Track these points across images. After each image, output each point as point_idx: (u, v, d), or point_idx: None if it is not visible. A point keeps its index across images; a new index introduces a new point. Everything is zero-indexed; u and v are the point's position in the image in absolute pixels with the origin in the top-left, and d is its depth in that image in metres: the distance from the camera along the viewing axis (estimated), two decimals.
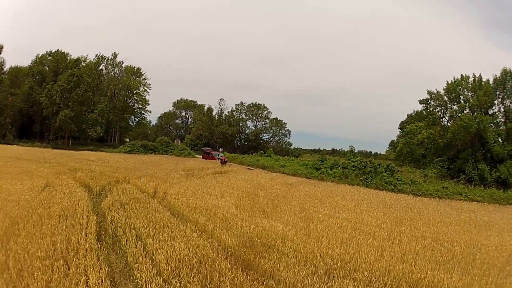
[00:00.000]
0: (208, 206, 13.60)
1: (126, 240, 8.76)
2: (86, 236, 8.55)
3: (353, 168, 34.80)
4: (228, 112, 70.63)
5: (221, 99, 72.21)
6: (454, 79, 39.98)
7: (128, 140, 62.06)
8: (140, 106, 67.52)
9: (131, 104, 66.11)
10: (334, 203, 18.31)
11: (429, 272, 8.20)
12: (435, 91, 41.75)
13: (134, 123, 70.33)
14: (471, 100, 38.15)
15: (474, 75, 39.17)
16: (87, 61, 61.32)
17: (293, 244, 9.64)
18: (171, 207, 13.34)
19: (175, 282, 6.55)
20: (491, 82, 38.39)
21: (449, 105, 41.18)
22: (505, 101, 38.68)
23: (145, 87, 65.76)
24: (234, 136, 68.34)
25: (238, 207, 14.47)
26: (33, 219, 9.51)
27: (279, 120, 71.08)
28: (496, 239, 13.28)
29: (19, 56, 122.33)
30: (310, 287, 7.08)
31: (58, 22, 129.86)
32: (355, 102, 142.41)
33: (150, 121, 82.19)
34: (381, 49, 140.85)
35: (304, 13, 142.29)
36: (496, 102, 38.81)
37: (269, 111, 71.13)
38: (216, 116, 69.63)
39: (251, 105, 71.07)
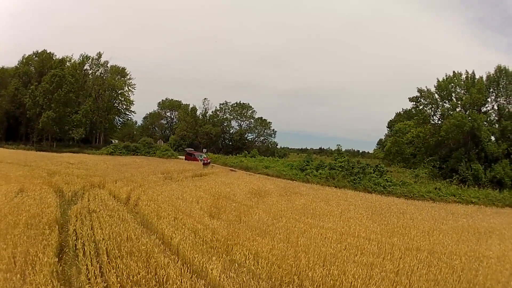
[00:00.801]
0: (178, 214, 12.74)
1: (83, 255, 8.28)
2: (45, 248, 8.17)
3: (340, 169, 33.23)
4: (212, 111, 68.90)
5: (205, 98, 70.41)
6: (446, 76, 38.60)
7: (116, 141, 61.00)
8: (124, 107, 66.47)
9: (115, 104, 64.85)
10: (318, 210, 16.52)
11: None
12: (426, 89, 40.44)
13: (119, 124, 69.20)
14: (463, 98, 36.75)
15: (467, 72, 37.79)
16: (72, 61, 60.13)
17: (267, 262, 8.44)
18: (141, 215, 12.76)
19: None
20: (484, 79, 37.15)
21: (440, 103, 39.81)
22: (498, 99, 37.46)
23: (129, 87, 64.69)
24: (218, 136, 66.54)
25: (211, 216, 13.24)
26: (0, 227, 9.44)
27: (264, 119, 69.52)
28: (497, 249, 12.11)
29: (19, 57, 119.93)
30: None
31: (58, 22, 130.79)
32: (354, 102, 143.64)
33: (136, 122, 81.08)
34: (381, 49, 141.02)
35: (303, 13, 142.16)
36: (489, 100, 37.68)
37: (254, 111, 69.66)
38: (200, 116, 67.90)
39: (235, 105, 69.28)
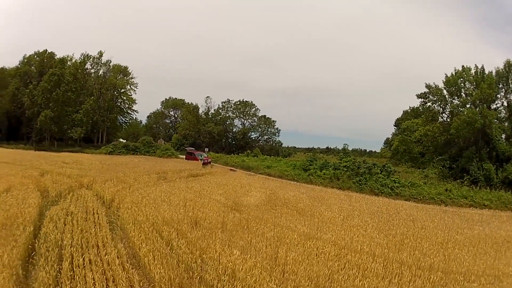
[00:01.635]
0: (157, 219, 11.45)
1: (45, 260, 7.64)
2: (12, 250, 7.80)
3: (345, 169, 31.82)
4: (214, 110, 67.50)
5: (207, 96, 69.23)
6: (455, 70, 36.86)
7: (121, 140, 60.27)
8: (127, 106, 65.80)
9: (118, 103, 64.13)
10: (317, 216, 15.08)
11: None
12: (434, 85, 38.79)
13: (123, 123, 68.68)
14: (473, 94, 35.03)
15: (476, 67, 35.99)
16: (73, 60, 59.50)
17: (243, 285, 6.94)
18: (120, 219, 11.81)
19: None
20: (493, 74, 35.45)
21: (449, 100, 38.14)
22: (508, 95, 35.87)
23: (131, 86, 63.86)
24: (221, 136, 65.18)
25: (195, 222, 11.67)
26: None
27: (268, 118, 67.91)
28: None
29: (19, 57, 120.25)
30: None
31: (58, 22, 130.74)
32: (353, 101, 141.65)
33: (141, 121, 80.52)
34: (374, 48, 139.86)
35: (304, 13, 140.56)
36: (499, 96, 36.02)
37: (257, 109, 68.11)
38: (203, 114, 66.52)
39: (238, 103, 67.65)
